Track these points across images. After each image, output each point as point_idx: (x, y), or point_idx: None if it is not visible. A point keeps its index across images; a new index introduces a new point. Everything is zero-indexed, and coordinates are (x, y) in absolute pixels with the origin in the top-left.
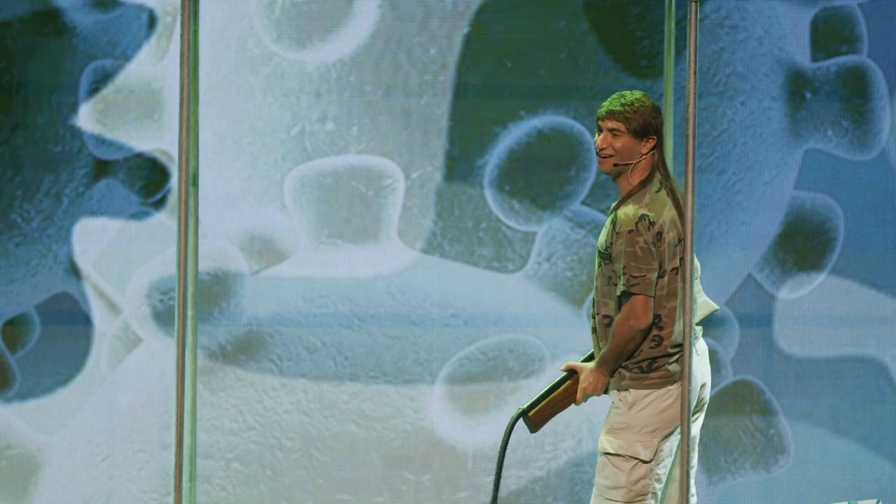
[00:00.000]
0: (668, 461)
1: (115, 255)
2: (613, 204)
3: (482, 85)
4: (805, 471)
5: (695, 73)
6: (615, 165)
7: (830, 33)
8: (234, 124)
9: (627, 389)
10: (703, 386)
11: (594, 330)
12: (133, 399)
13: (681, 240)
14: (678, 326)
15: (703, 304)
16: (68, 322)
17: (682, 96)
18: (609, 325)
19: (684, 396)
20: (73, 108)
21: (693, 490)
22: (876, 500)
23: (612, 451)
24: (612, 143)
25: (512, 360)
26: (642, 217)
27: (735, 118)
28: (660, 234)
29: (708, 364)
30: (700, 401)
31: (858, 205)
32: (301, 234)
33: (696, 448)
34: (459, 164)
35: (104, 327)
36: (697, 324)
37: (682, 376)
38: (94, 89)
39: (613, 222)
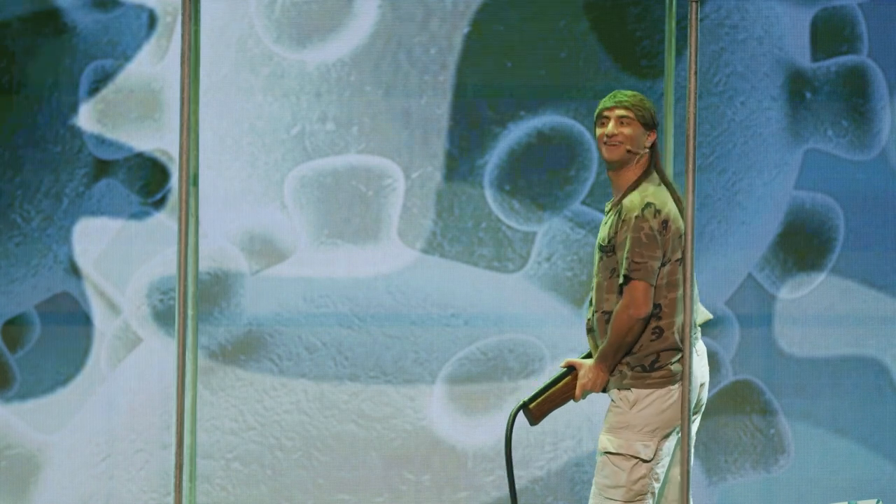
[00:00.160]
0: (667, 461)
1: (115, 255)
2: (610, 201)
3: (482, 85)
4: (805, 471)
5: (695, 73)
6: (628, 152)
7: (830, 33)
8: (234, 124)
9: (629, 388)
10: (702, 386)
11: (591, 330)
12: (133, 399)
13: (683, 234)
14: (679, 319)
15: (701, 313)
16: (68, 322)
17: (682, 96)
18: (609, 321)
19: (684, 396)
20: (73, 108)
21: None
22: (876, 500)
23: (612, 450)
24: (623, 131)
25: (512, 359)
26: (648, 205)
27: (735, 118)
28: (665, 222)
29: (707, 365)
30: (698, 401)
31: (858, 205)
32: (301, 234)
33: (693, 449)
34: (459, 164)
35: (104, 327)
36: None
37: (682, 376)
38: (94, 89)
39: (619, 212)
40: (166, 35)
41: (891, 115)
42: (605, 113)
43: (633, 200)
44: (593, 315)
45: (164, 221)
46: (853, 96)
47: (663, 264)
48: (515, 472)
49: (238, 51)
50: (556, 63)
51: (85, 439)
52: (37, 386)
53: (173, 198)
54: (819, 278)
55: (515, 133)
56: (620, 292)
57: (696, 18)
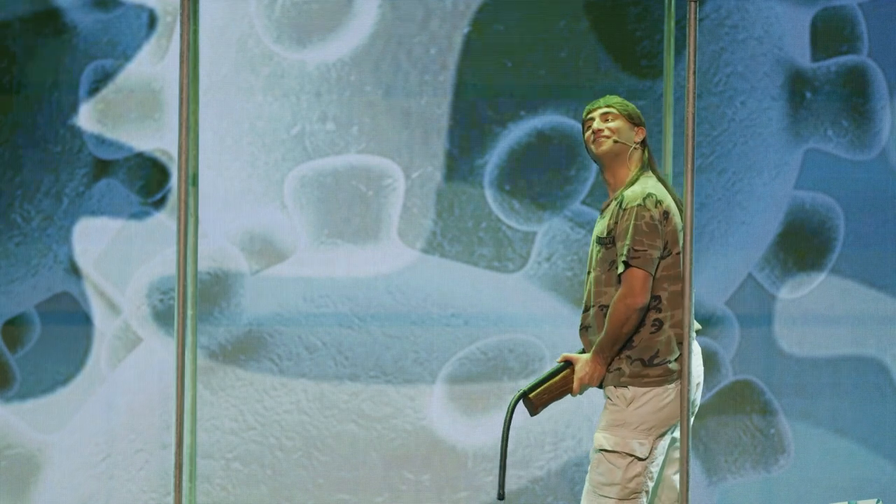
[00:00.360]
0: (661, 459)
1: (115, 255)
2: (605, 202)
3: (482, 85)
4: (805, 471)
5: (694, 73)
6: (615, 142)
7: (830, 33)
8: (234, 124)
9: (626, 386)
10: (697, 386)
11: (587, 328)
12: (133, 399)
13: (681, 229)
14: (679, 313)
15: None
16: (68, 322)
17: (681, 96)
18: (606, 315)
19: (684, 396)
20: (74, 108)
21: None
22: (876, 500)
23: (608, 447)
24: (608, 126)
25: (512, 359)
26: (650, 195)
27: (735, 118)
28: (666, 213)
29: (702, 365)
30: (692, 402)
31: (858, 205)
32: (301, 234)
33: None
34: (459, 164)
35: (104, 327)
36: None
37: (681, 376)
38: (94, 89)
39: (619, 202)
40: (166, 35)
41: (891, 115)
42: (590, 115)
43: (635, 191)
44: (590, 310)
45: (164, 221)
46: (853, 96)
47: (664, 256)
48: (516, 472)
49: (238, 51)
50: (556, 63)
51: (85, 439)
52: (37, 386)
53: (173, 198)
54: (819, 278)
55: (515, 133)
56: (619, 283)
57: (695, 18)
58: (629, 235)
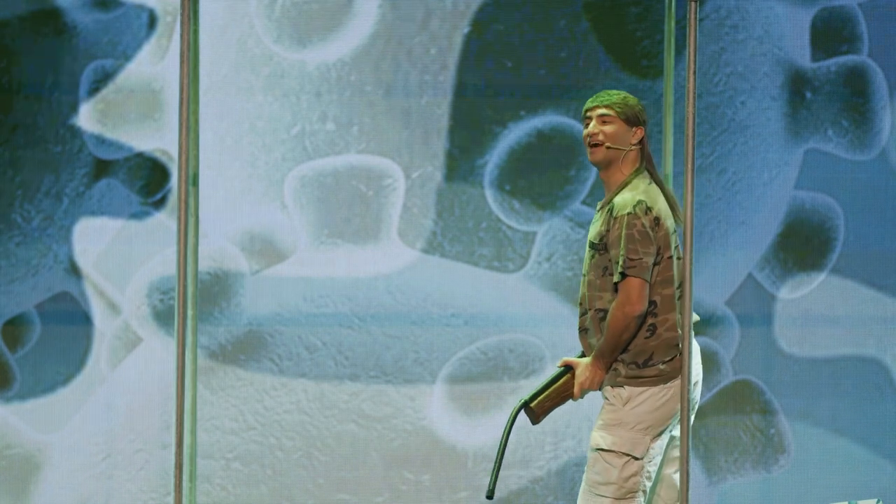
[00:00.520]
0: (658, 459)
1: (115, 255)
2: (601, 201)
3: (482, 85)
4: (805, 471)
5: (694, 73)
6: (608, 149)
7: (830, 33)
8: (234, 124)
9: (623, 386)
10: (695, 385)
11: (584, 329)
12: (133, 399)
13: (675, 231)
14: (674, 317)
15: None
16: (68, 322)
17: (681, 96)
18: (604, 318)
19: (683, 396)
20: (74, 108)
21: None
22: (876, 500)
23: (605, 446)
24: (603, 129)
25: (512, 359)
26: (640, 202)
27: (735, 118)
28: (657, 219)
29: (700, 363)
30: (692, 400)
31: (858, 205)
32: (301, 234)
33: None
34: (460, 164)
35: (104, 327)
36: None
37: (681, 375)
38: (94, 89)
39: (610, 210)
40: (166, 35)
41: (891, 115)
42: (588, 113)
43: (625, 198)
44: (587, 314)
45: (164, 221)
46: (853, 96)
47: (657, 262)
48: (516, 472)
49: (238, 51)
50: (556, 63)
51: (85, 439)
52: (37, 386)
53: (173, 198)
54: (819, 278)
55: (515, 133)
56: (614, 290)
57: (695, 18)
58: (622, 245)
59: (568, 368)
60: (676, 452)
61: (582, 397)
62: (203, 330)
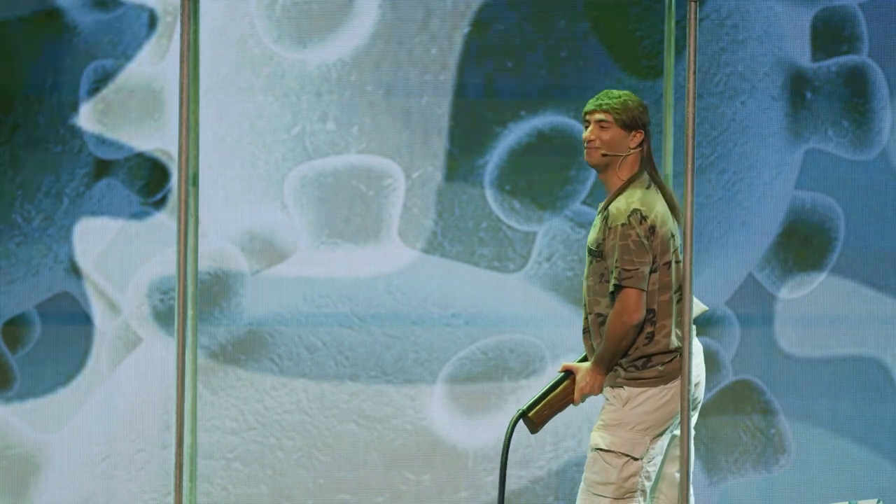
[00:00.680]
0: (659, 459)
1: (115, 255)
2: (602, 203)
3: (482, 85)
4: (805, 471)
5: (694, 73)
6: (604, 156)
7: (830, 33)
8: (234, 124)
9: (622, 386)
10: (696, 384)
11: (586, 331)
12: (133, 399)
13: (673, 235)
14: (671, 322)
15: (696, 305)
16: (68, 322)
17: (681, 96)
18: (602, 323)
19: (684, 396)
20: (74, 108)
21: (691, 490)
22: (876, 500)
23: (604, 446)
24: (601, 135)
25: (512, 359)
26: (634, 211)
27: (735, 118)
28: (653, 227)
29: (703, 363)
30: (694, 400)
31: (858, 205)
32: (301, 234)
33: (692, 447)
34: (460, 164)
35: (104, 327)
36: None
37: (681, 375)
38: (94, 89)
39: (605, 218)
40: (167, 35)
41: (891, 115)
42: (587, 116)
43: (619, 207)
44: (587, 317)
45: (164, 221)
46: (853, 96)
47: (653, 270)
48: (516, 472)
49: (238, 51)
50: (556, 63)
51: (85, 439)
52: (37, 386)
53: (173, 198)
54: (819, 278)
55: (515, 133)
56: (612, 297)
57: (695, 18)
58: (617, 256)
59: (567, 374)
60: (678, 451)
61: (583, 401)
62: (203, 330)
